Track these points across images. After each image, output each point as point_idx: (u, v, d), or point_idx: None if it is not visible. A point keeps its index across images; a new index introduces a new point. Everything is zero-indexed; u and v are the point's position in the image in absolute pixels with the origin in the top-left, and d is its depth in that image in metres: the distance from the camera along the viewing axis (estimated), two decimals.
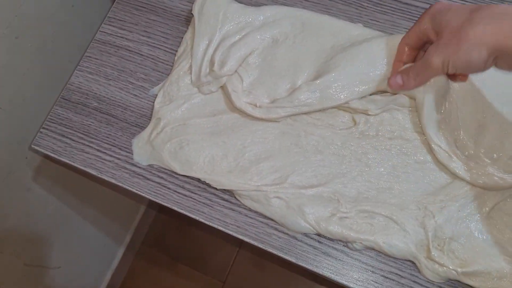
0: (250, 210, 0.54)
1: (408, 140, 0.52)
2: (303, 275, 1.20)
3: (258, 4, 0.61)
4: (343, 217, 0.50)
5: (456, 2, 0.59)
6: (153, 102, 0.59)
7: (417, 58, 0.50)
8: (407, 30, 0.48)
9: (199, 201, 0.55)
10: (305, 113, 0.54)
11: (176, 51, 0.62)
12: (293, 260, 0.52)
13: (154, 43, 0.63)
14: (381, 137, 0.53)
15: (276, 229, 0.53)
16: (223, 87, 0.57)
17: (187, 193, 0.55)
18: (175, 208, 0.55)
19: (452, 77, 0.48)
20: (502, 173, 0.48)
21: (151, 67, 0.62)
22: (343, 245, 0.52)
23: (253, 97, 0.55)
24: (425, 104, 0.50)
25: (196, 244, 1.28)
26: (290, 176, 0.52)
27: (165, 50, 0.62)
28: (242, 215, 0.54)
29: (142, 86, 0.61)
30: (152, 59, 0.62)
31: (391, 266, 0.50)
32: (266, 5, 0.60)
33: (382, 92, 0.53)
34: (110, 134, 0.59)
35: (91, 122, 0.60)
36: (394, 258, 0.50)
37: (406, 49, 0.49)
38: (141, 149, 0.57)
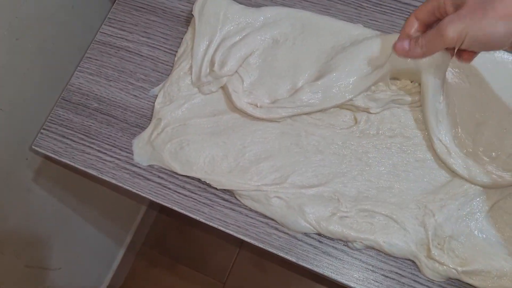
0: (250, 210, 0.54)
1: (408, 137, 0.53)
2: (303, 275, 1.20)
3: (258, 5, 0.61)
4: (343, 217, 0.50)
5: None
6: (153, 103, 0.59)
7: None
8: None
9: (200, 201, 0.55)
10: (306, 113, 0.54)
11: (176, 51, 0.62)
12: (293, 259, 0.52)
13: (154, 43, 0.63)
14: (382, 136, 0.53)
15: (276, 229, 0.53)
16: (223, 88, 0.57)
17: (188, 193, 0.55)
18: (176, 208, 0.55)
19: (458, 55, 0.44)
20: (501, 171, 0.48)
21: (151, 68, 0.62)
22: (344, 245, 0.52)
23: (254, 97, 0.55)
24: (429, 87, 0.49)
25: (197, 245, 1.27)
26: (291, 176, 0.53)
27: (164, 51, 0.63)
28: (243, 215, 0.54)
29: (142, 86, 0.61)
30: (152, 59, 0.62)
31: (391, 265, 0.50)
32: (266, 6, 0.60)
33: (382, 91, 0.53)
34: (110, 135, 0.59)
35: (92, 123, 0.60)
36: (394, 257, 0.50)
37: (416, 23, 0.44)
38: (142, 150, 0.57)
